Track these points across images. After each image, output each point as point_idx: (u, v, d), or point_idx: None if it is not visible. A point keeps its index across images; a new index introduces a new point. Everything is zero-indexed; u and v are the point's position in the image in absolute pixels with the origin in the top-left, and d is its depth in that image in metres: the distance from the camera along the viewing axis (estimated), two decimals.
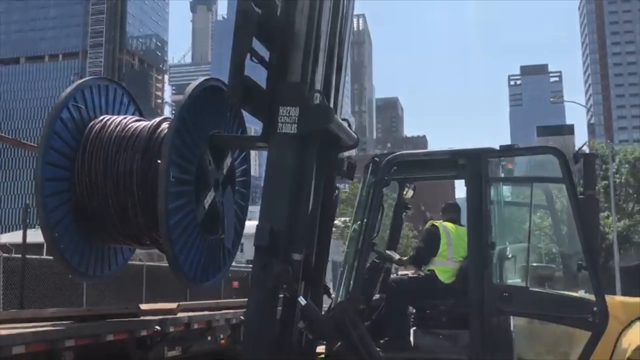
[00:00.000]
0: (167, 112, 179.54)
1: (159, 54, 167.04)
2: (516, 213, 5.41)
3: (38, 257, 14.59)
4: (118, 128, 6.16)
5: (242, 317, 7.92)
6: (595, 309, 4.55)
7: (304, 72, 5.47)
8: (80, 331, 5.61)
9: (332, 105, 5.80)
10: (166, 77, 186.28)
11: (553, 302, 4.84)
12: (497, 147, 5.05)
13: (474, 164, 4.94)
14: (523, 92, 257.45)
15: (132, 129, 6.17)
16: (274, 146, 5.40)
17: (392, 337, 5.26)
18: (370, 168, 5.62)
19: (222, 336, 7.83)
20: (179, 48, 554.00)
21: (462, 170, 5.03)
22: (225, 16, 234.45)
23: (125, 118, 6.41)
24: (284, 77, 5.50)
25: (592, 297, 4.61)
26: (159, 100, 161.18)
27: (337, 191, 6.16)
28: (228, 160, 6.61)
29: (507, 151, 5.07)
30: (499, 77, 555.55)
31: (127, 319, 6.40)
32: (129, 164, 5.90)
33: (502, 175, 5.25)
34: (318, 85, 5.56)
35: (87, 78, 6.62)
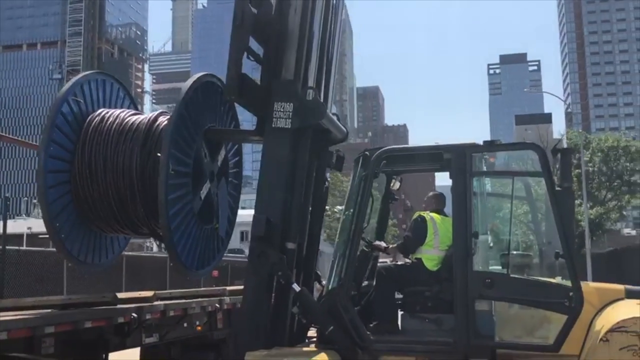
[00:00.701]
0: (147, 100, 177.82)
1: (139, 42, 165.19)
2: (498, 204, 5.73)
3: (18, 248, 14.71)
4: (117, 121, 6.37)
5: (217, 305, 8.25)
6: (571, 294, 4.88)
7: (298, 69, 5.74)
8: (59, 318, 5.83)
9: (323, 99, 6.09)
10: (146, 66, 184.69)
11: (532, 288, 5.17)
12: (481, 143, 5.35)
13: (458, 159, 5.23)
14: (502, 80, 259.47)
15: (130, 123, 6.38)
16: (269, 140, 5.65)
17: (381, 321, 5.54)
18: (360, 161, 5.89)
19: (197, 323, 8.08)
20: (159, 36, 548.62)
21: (448, 164, 5.33)
22: (206, 5, 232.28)
23: (123, 112, 6.61)
24: (279, 74, 5.77)
25: (568, 283, 4.94)
26: (139, 90, 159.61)
27: (326, 183, 6.45)
28: (222, 153, 6.85)
29: (489, 147, 5.38)
30: (478, 66, 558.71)
31: (104, 307, 6.64)
32: (129, 156, 6.11)
33: (485, 169, 5.57)
34: (311, 82, 5.83)
35: (86, 73, 6.79)
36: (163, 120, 6.36)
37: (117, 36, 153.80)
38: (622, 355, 4.53)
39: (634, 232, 57.13)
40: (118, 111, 6.61)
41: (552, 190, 4.98)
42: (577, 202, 31.80)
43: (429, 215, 5.74)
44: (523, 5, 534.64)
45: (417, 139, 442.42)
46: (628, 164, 35.99)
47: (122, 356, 7.67)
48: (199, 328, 8.17)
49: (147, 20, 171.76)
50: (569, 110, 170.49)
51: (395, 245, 6.04)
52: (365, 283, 5.97)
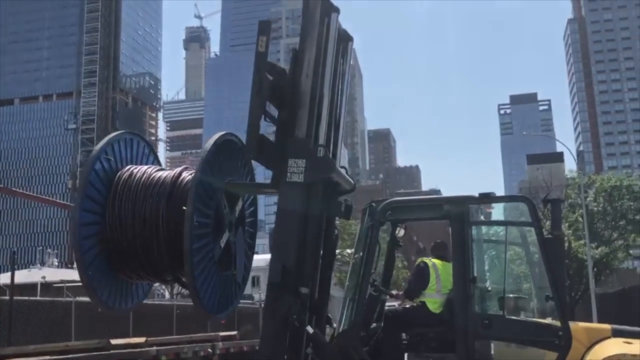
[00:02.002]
0: (162, 148, 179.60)
1: (152, 91, 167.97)
2: (494, 250, 6.21)
3: (27, 298, 15.14)
4: (144, 177, 6.93)
5: (209, 350, 8.65)
6: (560, 333, 5.32)
7: (309, 128, 6.31)
8: None
9: (332, 155, 6.66)
10: (160, 114, 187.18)
11: (525, 328, 5.62)
12: (477, 195, 5.86)
13: (457, 209, 5.74)
14: (513, 120, 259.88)
15: (156, 178, 6.94)
16: (284, 193, 6.20)
17: None
18: (367, 212, 6.41)
19: None
20: (173, 85, 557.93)
21: (448, 214, 5.84)
22: (218, 53, 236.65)
23: (149, 168, 7.19)
24: (292, 133, 6.33)
25: (558, 323, 5.38)
26: (153, 138, 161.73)
27: (336, 231, 6.97)
28: (240, 204, 7.38)
29: (485, 199, 5.89)
30: (489, 106, 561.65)
31: (99, 353, 7.12)
32: (155, 209, 6.65)
33: (482, 218, 6.08)
34: (321, 140, 6.38)
35: (116, 133, 7.39)
36: (186, 175, 6.92)
37: (131, 86, 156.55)
38: None
39: None
40: (145, 167, 7.18)
41: (541, 239, 5.47)
42: (581, 242, 31.94)
43: (430, 261, 6.22)
44: (532, 46, 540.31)
45: (429, 179, 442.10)
46: (632, 203, 36.17)
47: None
48: None
49: (160, 69, 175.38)
50: (580, 149, 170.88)
51: (402, 292, 6.50)
52: (374, 325, 6.39)
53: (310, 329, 5.83)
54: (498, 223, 6.22)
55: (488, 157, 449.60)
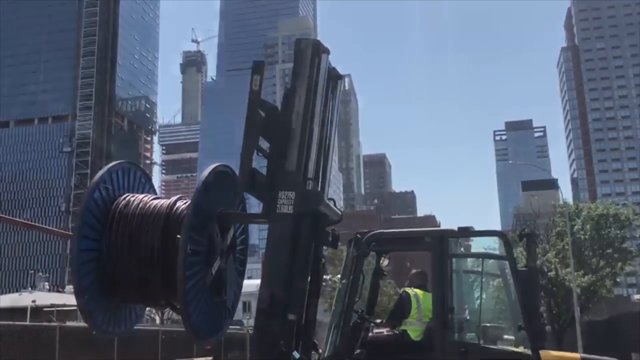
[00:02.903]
0: (157, 172, 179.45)
1: (148, 115, 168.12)
2: (472, 281, 6.52)
3: (12, 322, 15.33)
4: (140, 205, 7.24)
5: None
6: None
7: (299, 162, 6.66)
8: None
9: (320, 186, 7.00)
10: (155, 138, 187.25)
11: (500, 356, 5.91)
12: (456, 229, 6.20)
13: (437, 242, 6.08)
14: (509, 147, 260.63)
15: (152, 206, 7.25)
16: (274, 223, 6.53)
17: None
18: (353, 243, 6.73)
19: None
20: (169, 108, 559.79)
21: (428, 246, 6.17)
22: (215, 77, 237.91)
23: (145, 196, 7.49)
24: (282, 166, 6.68)
25: (529, 351, 5.69)
26: (148, 161, 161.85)
27: (323, 260, 7.27)
28: (231, 232, 7.69)
29: (463, 232, 6.23)
30: (484, 132, 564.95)
31: None
32: (150, 236, 6.94)
33: (461, 250, 6.41)
34: (310, 173, 6.73)
35: (115, 163, 7.71)
36: (181, 204, 7.23)
37: (127, 109, 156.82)
38: None
39: None
40: (141, 196, 7.49)
41: (514, 271, 5.81)
42: (568, 270, 32.19)
43: (412, 291, 6.53)
44: (526, 73, 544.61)
45: (425, 205, 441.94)
46: (618, 232, 36.58)
47: None
48: None
49: (156, 93, 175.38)
50: (575, 176, 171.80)
51: (384, 321, 6.80)
52: (358, 351, 6.67)
53: (296, 354, 6.11)
54: (475, 255, 6.56)
55: (484, 182, 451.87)
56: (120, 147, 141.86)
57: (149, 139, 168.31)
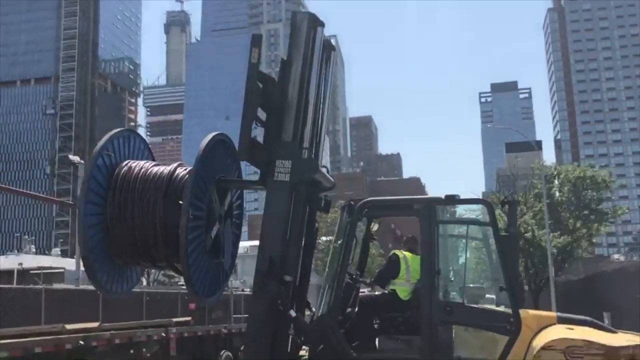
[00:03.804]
0: (142, 134, 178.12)
1: (132, 77, 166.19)
2: (457, 245, 6.95)
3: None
4: (142, 171, 7.55)
5: (163, 334, 9.34)
6: (511, 320, 6.10)
7: (295, 132, 6.99)
8: (13, 346, 7.08)
9: (315, 155, 7.34)
10: (139, 100, 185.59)
11: (482, 315, 6.38)
12: (443, 197, 6.59)
13: (426, 209, 6.48)
14: (494, 108, 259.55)
15: (153, 173, 7.57)
16: (271, 191, 6.89)
17: (362, 341, 6.68)
18: (346, 209, 7.12)
19: (145, 350, 9.21)
20: (153, 69, 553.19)
21: (417, 213, 6.56)
22: (199, 38, 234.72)
23: (146, 163, 7.81)
24: (279, 136, 7.01)
25: (509, 311, 6.16)
26: (133, 124, 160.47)
27: (316, 224, 7.67)
28: (229, 198, 8.05)
29: (450, 200, 6.62)
30: (470, 94, 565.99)
31: (55, 336, 7.86)
32: (152, 201, 7.27)
33: (447, 217, 6.83)
34: (306, 143, 7.06)
35: (116, 130, 8.00)
36: (181, 171, 7.56)
37: (110, 71, 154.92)
38: None
39: (622, 258, 58.17)
40: (142, 162, 7.80)
41: (497, 237, 6.24)
42: (544, 231, 32.91)
43: (402, 253, 6.95)
44: (512, 34, 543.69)
45: (410, 167, 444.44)
46: (595, 194, 37.44)
47: None
48: (149, 355, 9.32)
49: (140, 54, 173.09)
50: (558, 137, 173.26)
51: (373, 279, 7.25)
52: (349, 310, 7.11)
53: (293, 313, 6.53)
54: (461, 222, 6.99)
55: (469, 144, 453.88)
56: (104, 110, 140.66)
57: (133, 100, 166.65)
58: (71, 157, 39.53)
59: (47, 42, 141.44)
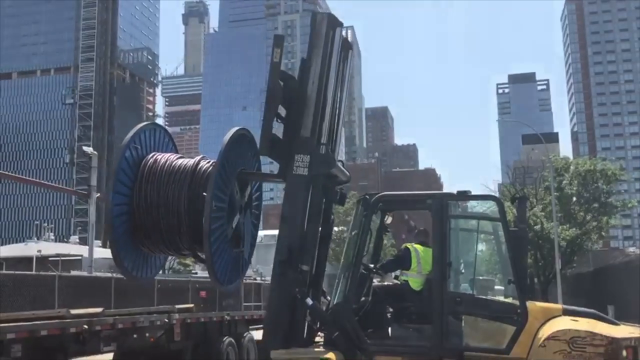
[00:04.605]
0: (160, 124, 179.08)
1: (150, 67, 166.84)
2: (468, 239, 7.23)
3: (14, 272, 16.29)
4: (167, 164, 7.91)
5: (165, 320, 9.75)
6: (518, 311, 6.39)
7: (314, 127, 7.29)
8: (20, 328, 7.57)
9: (332, 150, 7.64)
10: (157, 90, 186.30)
11: (490, 306, 6.68)
12: (455, 193, 6.88)
13: (438, 204, 6.77)
14: (511, 100, 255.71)
15: (178, 165, 7.92)
16: (290, 184, 7.21)
17: (375, 329, 7.01)
18: (362, 202, 7.43)
19: (148, 335, 9.63)
20: (172, 59, 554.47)
21: (430, 208, 6.86)
22: (217, 29, 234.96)
23: (171, 155, 8.16)
24: (298, 132, 7.31)
25: (517, 302, 6.45)
26: (151, 114, 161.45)
27: (332, 216, 7.98)
28: (248, 190, 8.40)
29: (462, 196, 6.90)
30: (487, 85, 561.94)
31: (60, 320, 8.33)
32: (177, 193, 7.63)
33: (459, 211, 7.12)
34: (324, 139, 7.36)
35: (142, 124, 8.36)
36: (204, 164, 7.91)
37: (129, 61, 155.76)
38: (555, 357, 6.02)
39: (638, 251, 57.95)
40: (167, 155, 8.16)
41: (506, 232, 6.53)
42: (551, 224, 32.94)
43: (413, 247, 7.25)
44: (530, 25, 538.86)
45: (426, 157, 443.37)
46: (605, 187, 37.45)
47: None
48: (152, 340, 9.74)
49: (158, 44, 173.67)
50: (575, 129, 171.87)
51: (378, 266, 7.54)
52: (363, 299, 7.43)
53: (310, 301, 6.87)
54: (472, 216, 7.29)
55: (485, 135, 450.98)
56: (123, 99, 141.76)
57: (151, 91, 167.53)
58: (85, 148, 40.17)
59: (66, 32, 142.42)
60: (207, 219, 7.07)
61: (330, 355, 6.50)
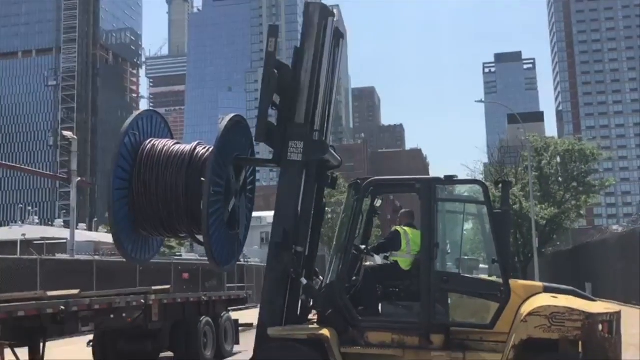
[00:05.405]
0: (145, 105, 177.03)
1: (134, 48, 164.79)
2: (454, 221, 7.59)
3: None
4: (164, 149, 8.19)
5: (142, 301, 10.22)
6: (502, 289, 6.77)
7: (307, 115, 7.57)
8: None
9: (324, 136, 7.94)
10: (141, 71, 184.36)
11: (475, 284, 7.06)
12: (443, 177, 7.21)
13: (426, 188, 7.11)
14: (497, 79, 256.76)
15: (175, 151, 8.20)
16: (285, 169, 7.51)
17: (367, 306, 7.36)
18: (353, 187, 7.76)
19: (125, 315, 10.06)
20: (156, 40, 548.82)
21: (418, 191, 7.19)
22: (201, 8, 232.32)
23: (168, 141, 8.44)
24: (292, 119, 7.61)
25: (500, 280, 6.83)
26: (135, 95, 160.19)
27: (324, 200, 8.31)
28: (243, 174, 8.69)
29: (449, 181, 7.24)
30: (473, 65, 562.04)
31: (37, 301, 8.71)
32: (175, 177, 7.92)
33: (446, 195, 7.47)
34: (317, 125, 7.65)
35: (140, 111, 8.64)
36: (200, 149, 8.19)
37: (112, 42, 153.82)
38: (536, 331, 6.41)
39: (620, 229, 58.96)
40: (164, 141, 8.43)
41: (491, 215, 6.89)
42: (529, 203, 33.36)
43: (402, 229, 7.59)
44: (516, 5, 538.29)
45: (413, 138, 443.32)
46: (583, 167, 38.15)
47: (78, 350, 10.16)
48: (129, 320, 10.19)
49: (141, 25, 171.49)
50: (560, 108, 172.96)
51: (370, 248, 7.89)
52: (355, 278, 7.78)
53: (304, 280, 7.22)
54: (458, 200, 7.66)
55: (472, 115, 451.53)
56: (106, 81, 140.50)
57: (135, 72, 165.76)
58: (65, 132, 40.31)
59: (48, 13, 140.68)
60: (206, 203, 7.36)
61: (324, 331, 6.86)
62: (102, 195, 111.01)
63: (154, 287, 11.38)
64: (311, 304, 7.38)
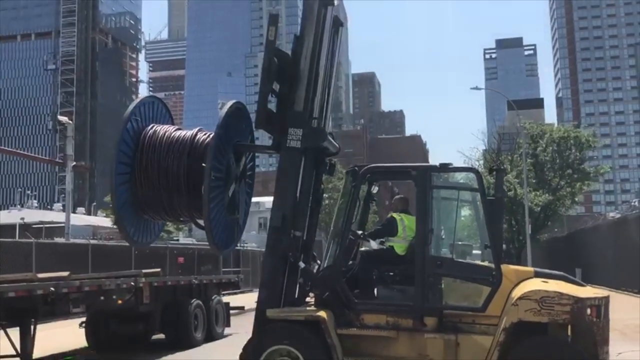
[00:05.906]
0: (144, 90, 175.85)
1: (133, 32, 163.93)
2: (449, 208, 7.77)
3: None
4: (166, 135, 8.36)
5: (132, 284, 10.48)
6: (493, 273, 6.97)
7: (306, 102, 7.72)
8: None
9: (323, 123, 8.10)
10: (141, 55, 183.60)
11: (468, 269, 7.25)
12: (438, 165, 7.39)
13: (422, 175, 7.29)
14: (498, 65, 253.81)
15: (176, 136, 8.37)
16: (284, 155, 7.67)
17: (363, 290, 7.56)
18: (351, 174, 7.93)
19: (115, 297, 10.28)
20: (155, 24, 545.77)
21: (414, 179, 7.37)
22: None
23: (169, 127, 8.61)
24: (292, 106, 7.75)
25: (492, 265, 7.03)
26: (134, 79, 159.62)
27: (322, 186, 8.48)
28: (243, 160, 8.86)
29: (444, 168, 7.41)
30: (474, 51, 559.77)
31: (27, 283, 8.91)
32: (176, 162, 8.10)
33: (441, 182, 7.65)
34: (316, 113, 7.80)
35: (142, 97, 8.79)
36: (201, 135, 8.36)
37: (111, 26, 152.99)
38: (526, 315, 6.61)
39: (617, 216, 59.20)
40: (166, 127, 8.60)
41: (484, 202, 7.08)
42: (523, 190, 33.45)
43: (399, 215, 7.77)
44: None
45: (413, 124, 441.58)
46: (578, 154, 38.33)
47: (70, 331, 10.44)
48: (120, 301, 10.45)
49: (140, 8, 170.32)
50: (560, 95, 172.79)
51: (367, 234, 8.09)
52: (351, 262, 7.97)
53: (302, 264, 7.42)
54: (452, 187, 7.85)
55: (472, 101, 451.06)
56: (105, 65, 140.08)
57: (134, 56, 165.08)
58: (60, 117, 40.44)
59: None
60: (207, 189, 7.54)
61: (322, 313, 7.06)
62: (102, 180, 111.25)
63: (144, 270, 11.61)
64: (309, 286, 7.58)
